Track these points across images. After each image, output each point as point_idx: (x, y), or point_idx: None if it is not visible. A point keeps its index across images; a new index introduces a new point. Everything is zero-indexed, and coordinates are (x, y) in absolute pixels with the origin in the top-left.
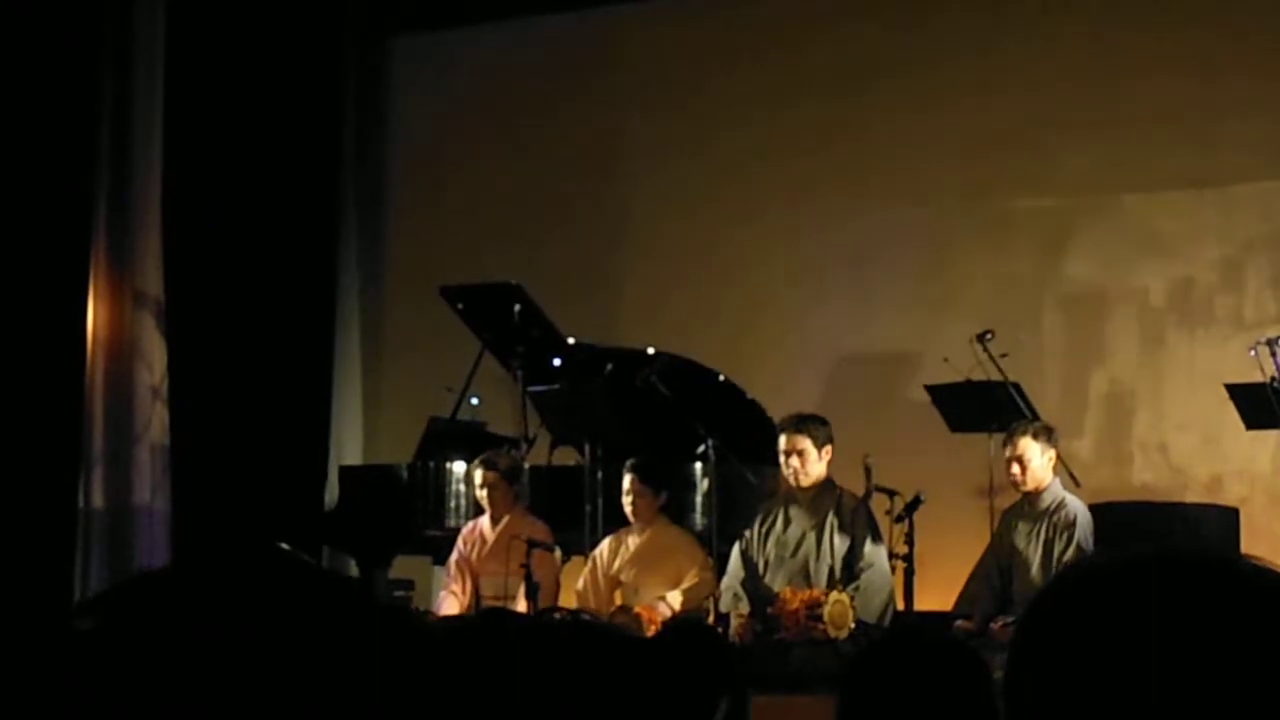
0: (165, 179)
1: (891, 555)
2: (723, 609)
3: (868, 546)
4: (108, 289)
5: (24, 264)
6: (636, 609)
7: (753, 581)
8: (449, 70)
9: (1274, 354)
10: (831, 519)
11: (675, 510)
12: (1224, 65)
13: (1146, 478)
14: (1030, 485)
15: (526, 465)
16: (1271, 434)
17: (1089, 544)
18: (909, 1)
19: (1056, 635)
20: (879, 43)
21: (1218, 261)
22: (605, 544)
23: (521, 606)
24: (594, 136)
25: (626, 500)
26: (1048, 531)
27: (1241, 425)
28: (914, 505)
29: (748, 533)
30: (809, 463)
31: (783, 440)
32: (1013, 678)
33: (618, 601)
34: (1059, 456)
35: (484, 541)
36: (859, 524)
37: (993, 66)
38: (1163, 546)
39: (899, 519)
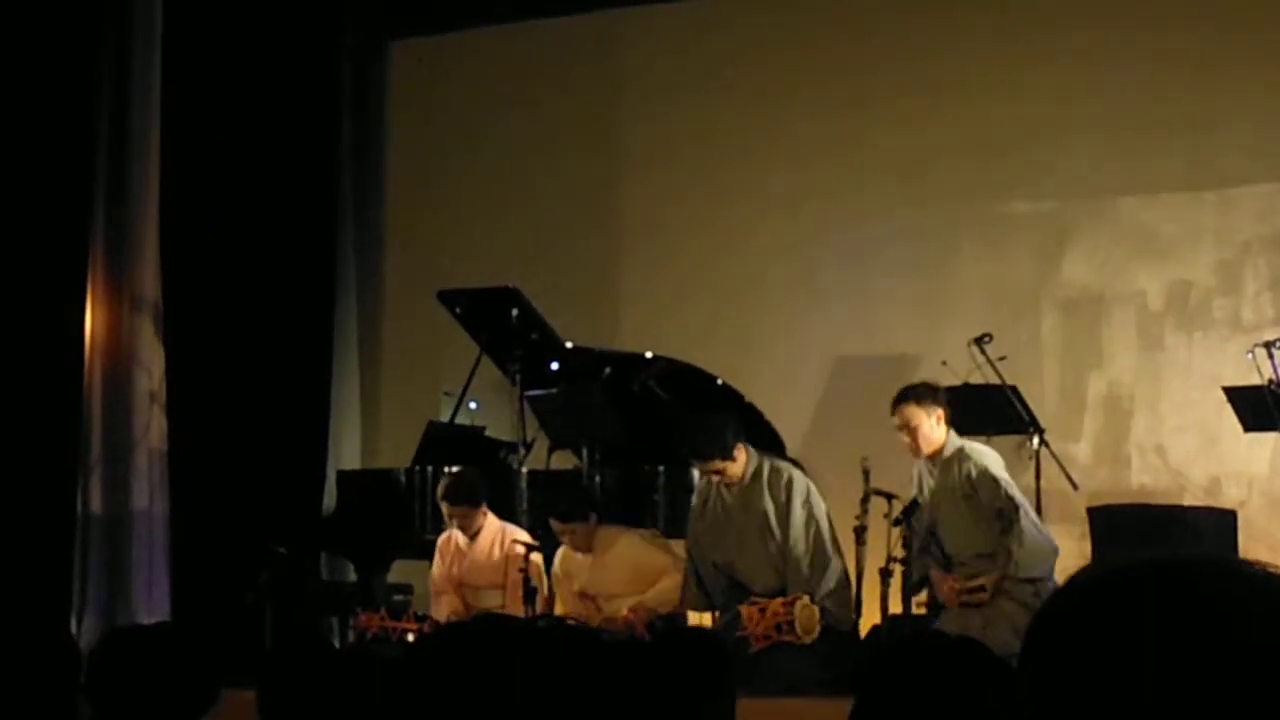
0: (163, 184)
1: (889, 559)
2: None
3: (811, 531)
4: (105, 294)
5: (22, 269)
6: (625, 611)
7: (718, 596)
8: (447, 74)
9: (1271, 357)
10: (768, 509)
11: (674, 515)
12: (1221, 68)
13: (1144, 480)
14: (927, 450)
15: (525, 470)
16: (1269, 437)
17: (1009, 484)
18: (906, 7)
19: (1064, 645)
20: (877, 48)
21: (1215, 264)
22: (558, 562)
23: (517, 612)
24: (592, 140)
25: (563, 540)
26: (963, 485)
27: (1239, 428)
28: (912, 509)
29: (693, 545)
30: (730, 470)
31: (696, 470)
32: (1022, 687)
33: (603, 610)
34: (1054, 457)
35: (461, 553)
36: (793, 501)
37: (990, 71)
38: (1166, 554)
39: (897, 522)
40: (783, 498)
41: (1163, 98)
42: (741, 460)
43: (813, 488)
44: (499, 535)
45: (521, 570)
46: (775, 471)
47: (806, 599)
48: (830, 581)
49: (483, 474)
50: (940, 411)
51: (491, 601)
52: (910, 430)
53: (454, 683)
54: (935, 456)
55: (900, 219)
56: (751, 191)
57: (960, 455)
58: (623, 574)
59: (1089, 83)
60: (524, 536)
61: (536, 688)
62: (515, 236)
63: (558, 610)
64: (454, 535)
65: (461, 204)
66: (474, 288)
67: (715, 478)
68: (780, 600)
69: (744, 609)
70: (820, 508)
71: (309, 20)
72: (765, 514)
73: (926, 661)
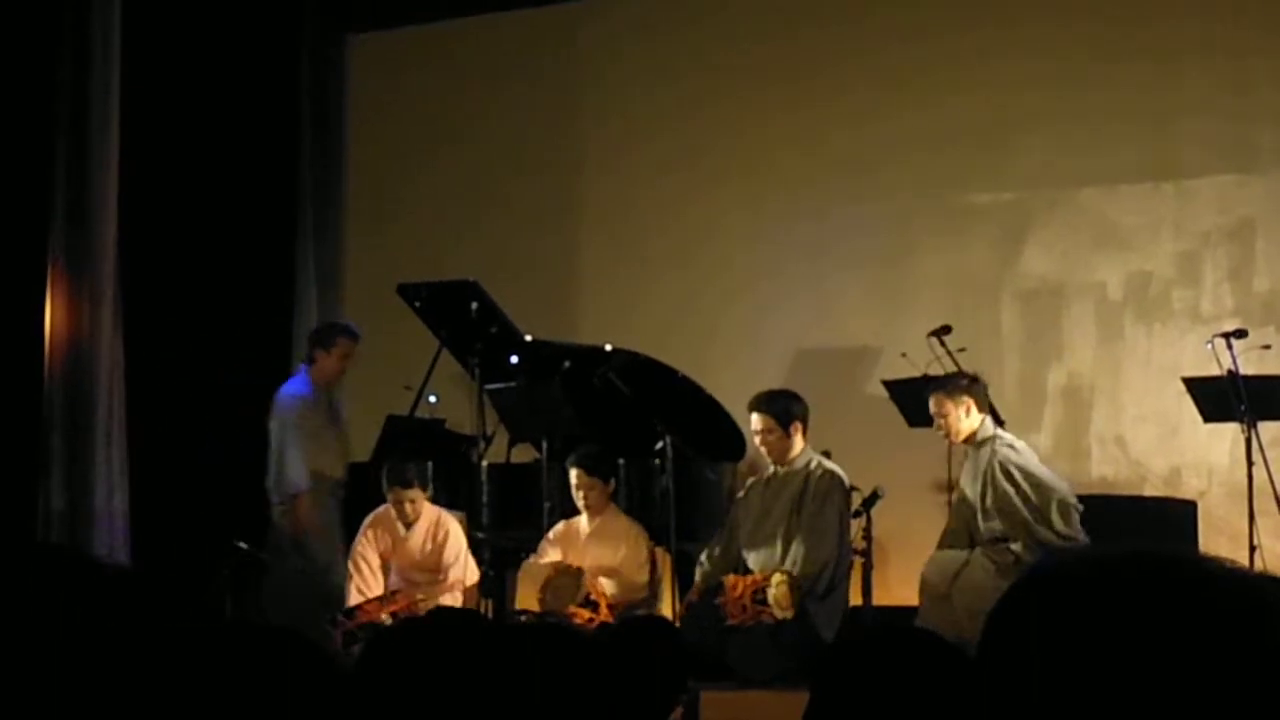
0: (122, 179)
1: (851, 550)
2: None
3: (816, 517)
4: (65, 290)
5: None
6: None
7: (732, 545)
8: (406, 67)
9: (1231, 347)
10: (798, 496)
11: (635, 507)
12: (1180, 59)
13: (1105, 471)
14: (959, 438)
15: (485, 463)
16: (1229, 427)
17: (1029, 468)
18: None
19: (1023, 637)
20: (837, 41)
21: (1175, 255)
22: (557, 534)
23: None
24: (553, 134)
25: (577, 495)
26: (987, 470)
27: (1199, 418)
28: (872, 500)
29: (739, 499)
30: (775, 442)
31: (753, 420)
32: (981, 677)
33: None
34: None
35: (394, 535)
36: (819, 502)
37: (949, 64)
38: (1128, 548)
39: (857, 514)
40: (819, 490)
41: (1122, 89)
42: (796, 442)
43: (846, 495)
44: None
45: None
46: (819, 480)
47: (785, 575)
48: (816, 566)
49: (443, 467)
50: (970, 402)
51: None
52: (943, 419)
53: (413, 677)
54: (970, 441)
55: (860, 212)
56: (712, 186)
57: (990, 444)
58: (609, 550)
59: (1047, 75)
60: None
61: (498, 680)
62: (476, 230)
63: (521, 593)
64: (388, 515)
65: (421, 198)
66: (433, 281)
67: (758, 440)
68: (761, 574)
69: (728, 577)
70: (848, 517)
71: (268, 13)
72: (791, 505)
73: (883, 656)
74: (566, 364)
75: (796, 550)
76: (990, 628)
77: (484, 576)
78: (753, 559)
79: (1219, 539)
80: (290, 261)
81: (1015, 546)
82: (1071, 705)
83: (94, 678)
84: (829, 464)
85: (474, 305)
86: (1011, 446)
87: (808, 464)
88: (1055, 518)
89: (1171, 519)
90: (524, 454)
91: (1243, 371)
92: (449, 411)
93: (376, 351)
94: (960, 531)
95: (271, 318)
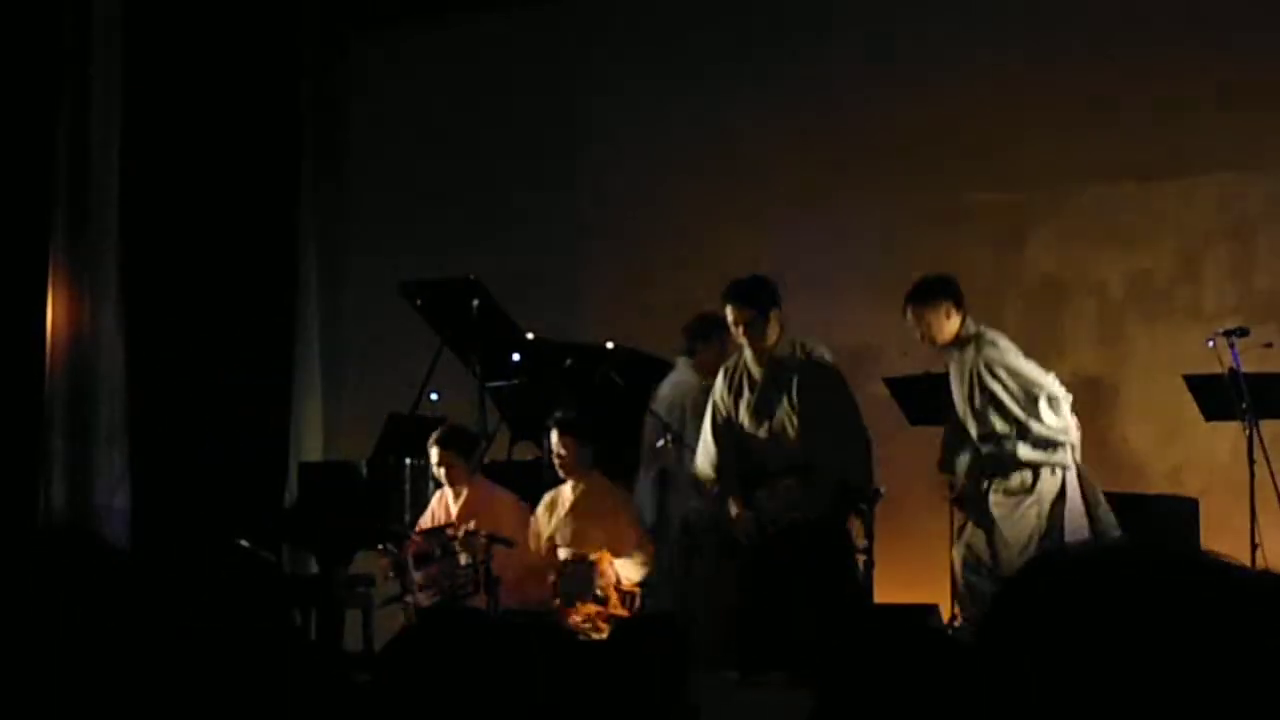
0: (124, 178)
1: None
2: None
3: (834, 413)
4: (67, 289)
5: None
6: (593, 556)
7: (730, 454)
8: (408, 67)
9: (1232, 345)
10: (794, 392)
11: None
12: (1181, 57)
13: (1106, 469)
14: (942, 341)
15: (486, 460)
16: (1230, 425)
17: (1014, 365)
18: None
19: (1020, 628)
20: (836, 39)
21: (1176, 253)
22: (541, 509)
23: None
24: (553, 133)
25: (556, 459)
26: (973, 369)
27: (1201, 416)
28: (873, 499)
29: (718, 405)
30: (756, 333)
31: (729, 313)
32: (980, 664)
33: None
34: None
35: (448, 514)
36: (826, 394)
37: (951, 61)
38: (1127, 542)
39: (858, 512)
40: (821, 383)
41: (1122, 87)
42: (775, 330)
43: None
44: None
45: (483, 562)
46: (807, 372)
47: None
48: (852, 450)
49: None
50: (948, 304)
51: None
52: (923, 326)
53: (424, 679)
54: (954, 342)
55: (862, 210)
56: (713, 185)
57: (974, 342)
58: (597, 517)
59: (1048, 74)
60: (505, 504)
61: (496, 680)
62: (477, 228)
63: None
64: (444, 494)
65: (422, 197)
66: (435, 279)
67: (740, 331)
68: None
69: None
70: (848, 388)
71: (269, 14)
72: (790, 402)
73: (887, 653)
74: (568, 362)
75: (830, 453)
76: (988, 621)
77: (487, 575)
78: (773, 465)
79: (1221, 537)
80: (292, 261)
81: (1009, 445)
82: (1070, 699)
83: (98, 665)
84: (815, 347)
85: (475, 303)
86: (994, 344)
87: (794, 352)
88: (1044, 410)
89: (1173, 517)
90: (525, 452)
91: (1244, 369)
92: (450, 409)
93: (378, 350)
94: (955, 436)
95: (272, 318)
